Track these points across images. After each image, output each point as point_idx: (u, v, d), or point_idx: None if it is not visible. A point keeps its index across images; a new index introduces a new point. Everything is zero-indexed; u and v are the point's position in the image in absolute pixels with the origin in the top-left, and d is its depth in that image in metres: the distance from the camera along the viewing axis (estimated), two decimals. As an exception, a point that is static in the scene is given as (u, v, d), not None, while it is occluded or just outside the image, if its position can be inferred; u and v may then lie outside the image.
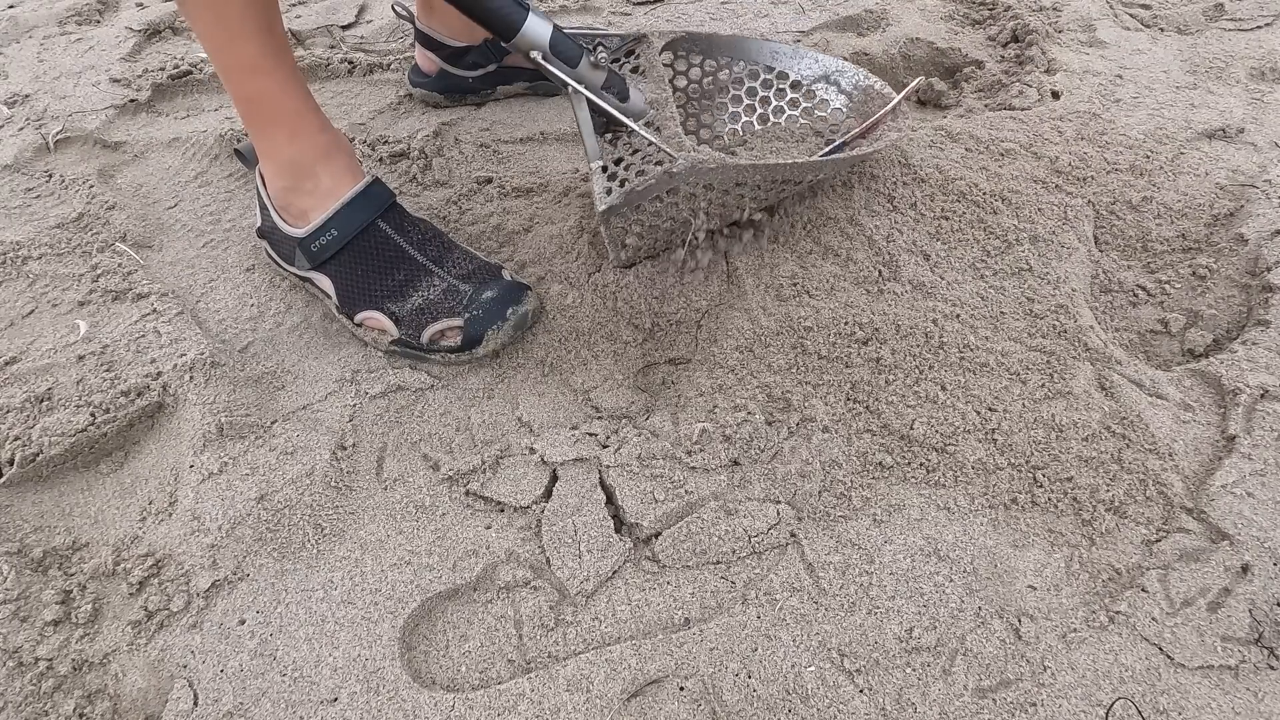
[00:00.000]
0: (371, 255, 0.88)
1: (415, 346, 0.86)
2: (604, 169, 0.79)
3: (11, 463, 0.78)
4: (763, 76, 0.99)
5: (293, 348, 0.90)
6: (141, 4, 1.63)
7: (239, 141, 0.96)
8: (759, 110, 1.00)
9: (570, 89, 0.79)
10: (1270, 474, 0.71)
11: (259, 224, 0.95)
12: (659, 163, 0.76)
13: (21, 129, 1.26)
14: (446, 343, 0.85)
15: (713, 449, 0.76)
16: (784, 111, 0.99)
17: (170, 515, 0.75)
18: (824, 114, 0.98)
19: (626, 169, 0.79)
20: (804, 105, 0.99)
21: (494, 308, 0.84)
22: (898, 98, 0.91)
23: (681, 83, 1.00)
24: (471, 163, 1.12)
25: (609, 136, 0.84)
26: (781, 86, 0.99)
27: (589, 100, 0.79)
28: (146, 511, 0.76)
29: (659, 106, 0.84)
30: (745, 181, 0.79)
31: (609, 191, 0.77)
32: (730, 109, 1.00)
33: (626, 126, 0.80)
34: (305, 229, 0.88)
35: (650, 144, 0.78)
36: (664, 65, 0.94)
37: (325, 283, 0.90)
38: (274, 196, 0.91)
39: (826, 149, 0.94)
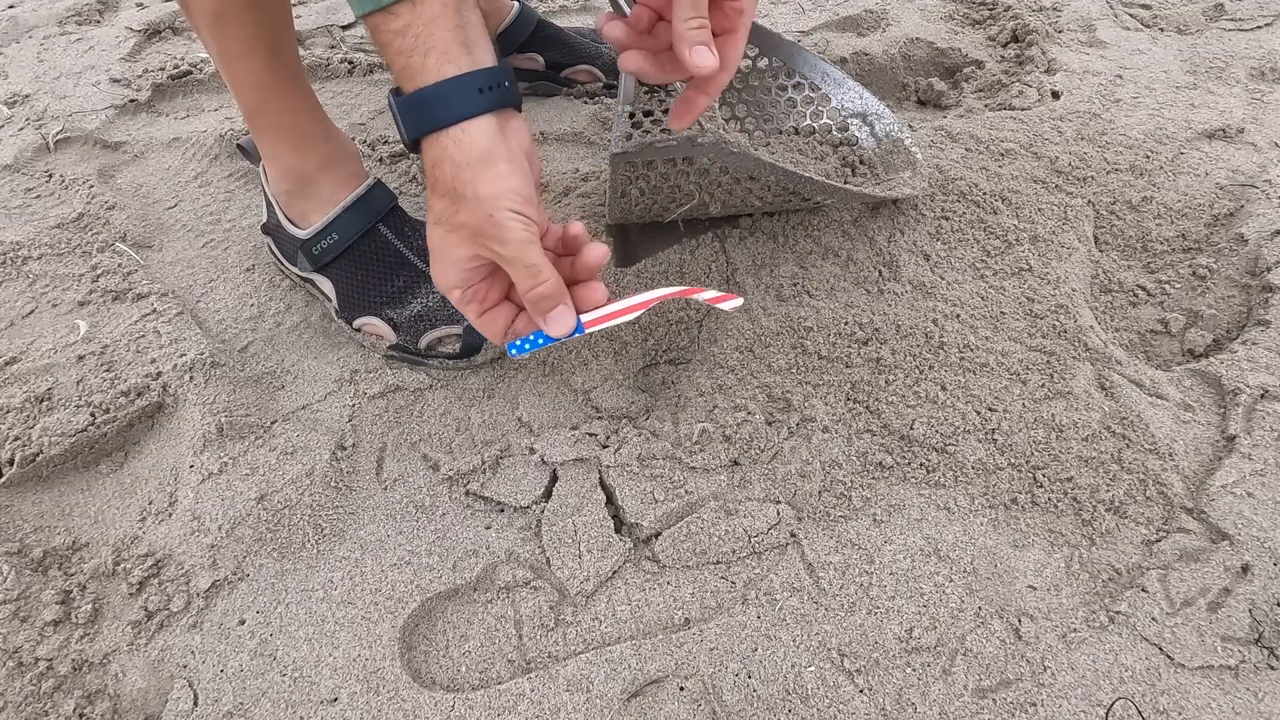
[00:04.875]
0: (371, 260, 0.89)
1: (413, 352, 0.86)
2: (630, 115, 0.79)
3: (11, 463, 0.78)
4: (806, 92, 1.00)
5: (292, 348, 0.90)
6: (141, 4, 1.63)
7: (241, 138, 0.96)
8: (791, 122, 1.01)
9: None
10: (1270, 474, 0.71)
11: (264, 220, 0.95)
12: (686, 128, 0.76)
13: (21, 129, 1.26)
14: (444, 349, 0.85)
15: (713, 449, 0.76)
16: (814, 131, 1.00)
17: (170, 515, 0.75)
18: (849, 149, 0.98)
19: (654, 123, 0.79)
20: (834, 133, 1.00)
21: None
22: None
23: None
24: (471, 163, 1.12)
25: (646, 89, 0.84)
26: (820, 108, 1.00)
27: None
28: (146, 511, 0.76)
29: None
30: (759, 178, 0.79)
31: (628, 138, 0.77)
32: (766, 110, 1.01)
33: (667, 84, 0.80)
34: (308, 231, 0.88)
35: None
36: None
37: (327, 285, 0.90)
38: (276, 197, 0.91)
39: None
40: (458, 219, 0.59)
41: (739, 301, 0.66)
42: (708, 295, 0.66)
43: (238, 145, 0.95)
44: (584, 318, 0.63)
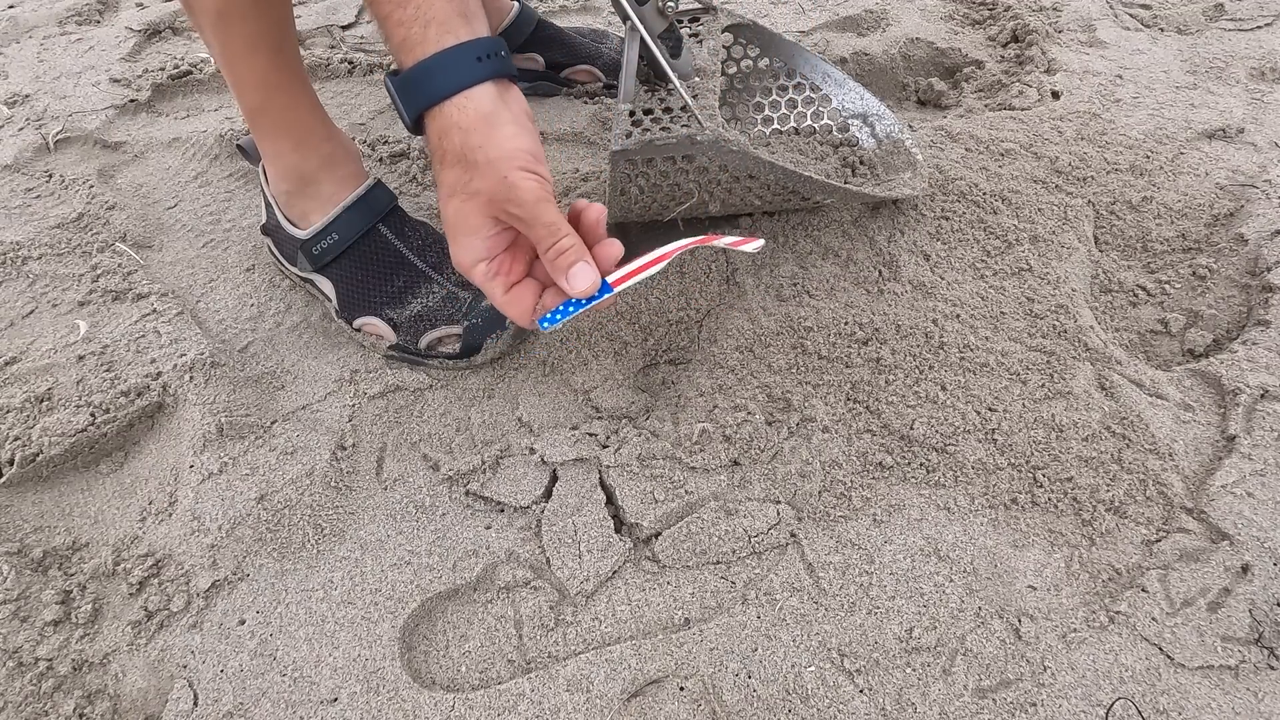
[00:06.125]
0: (371, 260, 0.89)
1: (413, 352, 0.86)
2: (630, 113, 0.79)
3: (11, 463, 0.78)
4: (807, 92, 1.01)
5: (292, 348, 0.90)
6: (141, 4, 1.64)
7: (240, 138, 0.96)
8: (791, 122, 1.01)
9: (629, 24, 0.79)
10: (1270, 474, 0.71)
11: (263, 221, 0.95)
12: (686, 126, 0.77)
13: (21, 129, 1.26)
14: (445, 349, 0.85)
15: (713, 449, 0.76)
16: (814, 131, 1.00)
17: (170, 515, 0.75)
18: (849, 149, 0.99)
19: (654, 121, 0.79)
20: (835, 133, 1.00)
21: (494, 316, 0.84)
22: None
23: (731, 69, 1.00)
24: (471, 163, 1.12)
25: (646, 88, 0.84)
26: (821, 108, 1.00)
27: (642, 41, 0.79)
28: (146, 511, 0.76)
29: (704, 77, 0.84)
30: (759, 176, 0.79)
31: (628, 135, 0.77)
32: (765, 110, 1.01)
33: (667, 82, 0.80)
34: (308, 231, 0.88)
35: (684, 107, 0.78)
36: (722, 46, 0.95)
37: (327, 286, 0.90)
38: (276, 197, 0.91)
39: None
40: (472, 186, 0.59)
41: (760, 243, 0.65)
42: (727, 240, 0.65)
43: (237, 146, 0.95)
44: (610, 278, 0.63)
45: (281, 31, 0.81)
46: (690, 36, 0.91)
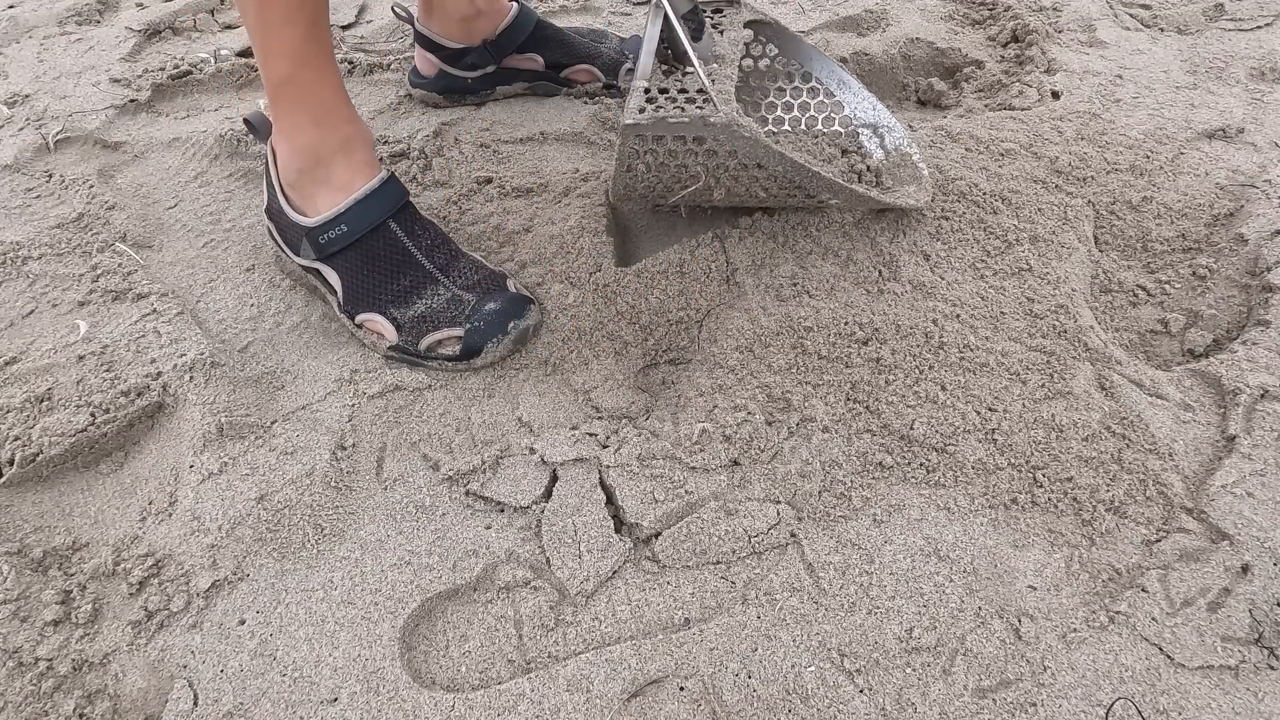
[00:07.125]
0: (379, 257, 0.88)
1: (413, 353, 0.86)
2: (645, 90, 0.80)
3: (11, 463, 0.78)
4: (820, 97, 1.01)
5: (292, 348, 0.90)
6: (141, 4, 1.64)
7: (249, 114, 0.94)
8: (803, 125, 1.01)
9: (654, 1, 0.80)
10: (1270, 474, 0.71)
11: (265, 203, 0.94)
12: (701, 108, 0.77)
13: (21, 129, 1.26)
14: (445, 351, 0.85)
15: (713, 449, 0.76)
16: (822, 135, 1.00)
17: (170, 515, 0.75)
18: (857, 156, 0.99)
19: (669, 100, 0.79)
20: (844, 139, 1.00)
21: (496, 320, 0.84)
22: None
23: (748, 64, 1.01)
24: (471, 163, 1.12)
25: (664, 68, 0.85)
26: (832, 114, 1.01)
27: (665, 20, 0.80)
28: (146, 511, 0.76)
29: (721, 64, 0.85)
30: (767, 166, 0.80)
31: (641, 110, 0.78)
32: (778, 110, 1.02)
33: (687, 63, 0.81)
34: (315, 219, 0.88)
35: (700, 89, 0.79)
36: (743, 41, 0.95)
37: (333, 276, 0.89)
38: (284, 177, 0.90)
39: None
40: None
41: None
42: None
43: (244, 120, 0.93)
44: None
45: (319, 5, 0.81)
46: (712, 28, 0.92)
